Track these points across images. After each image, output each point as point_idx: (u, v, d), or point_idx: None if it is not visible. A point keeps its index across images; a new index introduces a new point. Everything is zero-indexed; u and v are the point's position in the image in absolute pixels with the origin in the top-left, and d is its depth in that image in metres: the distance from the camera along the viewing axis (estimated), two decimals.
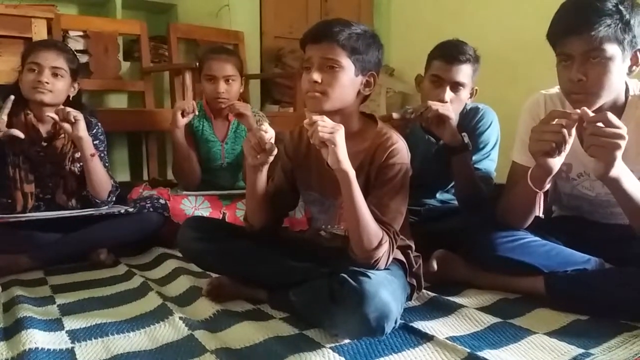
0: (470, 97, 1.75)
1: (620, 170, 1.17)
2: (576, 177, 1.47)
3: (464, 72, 1.66)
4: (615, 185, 1.21)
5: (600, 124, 1.14)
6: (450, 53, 1.66)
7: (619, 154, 1.14)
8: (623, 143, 1.12)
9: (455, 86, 1.67)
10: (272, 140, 1.20)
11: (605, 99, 1.27)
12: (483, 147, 1.77)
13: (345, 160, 1.14)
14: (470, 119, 1.78)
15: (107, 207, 1.84)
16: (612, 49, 1.20)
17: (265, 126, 1.19)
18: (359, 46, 1.24)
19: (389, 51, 3.69)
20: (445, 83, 1.66)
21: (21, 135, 1.68)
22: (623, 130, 1.13)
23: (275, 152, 1.22)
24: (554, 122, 1.19)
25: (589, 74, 1.23)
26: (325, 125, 1.12)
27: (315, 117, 1.13)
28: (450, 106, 1.61)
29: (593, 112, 1.17)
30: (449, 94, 1.65)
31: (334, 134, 1.11)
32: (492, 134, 1.80)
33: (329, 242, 1.38)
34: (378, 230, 1.20)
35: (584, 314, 1.29)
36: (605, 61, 1.21)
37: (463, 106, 1.74)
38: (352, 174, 1.15)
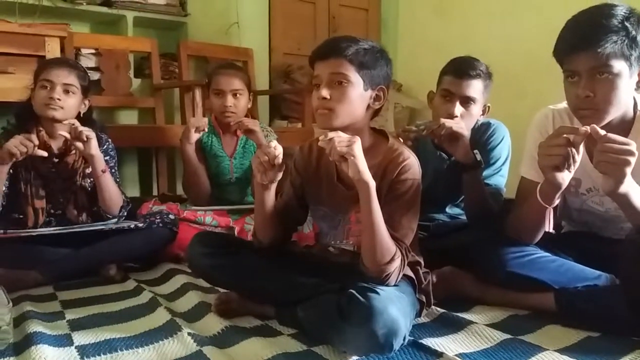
0: (483, 114, 1.76)
1: (629, 186, 1.17)
2: (585, 192, 1.46)
3: (474, 87, 1.67)
4: (624, 201, 1.20)
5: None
6: (460, 68, 1.68)
7: (628, 170, 1.13)
8: (633, 159, 1.12)
9: (466, 101, 1.67)
10: (281, 157, 1.21)
11: (613, 114, 1.27)
12: (494, 163, 1.77)
13: (366, 171, 1.14)
14: (481, 134, 1.79)
15: (116, 221, 1.86)
16: (619, 65, 1.21)
17: (274, 143, 1.20)
18: (366, 60, 1.25)
19: (396, 67, 3.70)
20: (456, 97, 1.67)
21: (44, 154, 1.69)
22: (632, 146, 1.12)
23: (283, 169, 1.23)
24: (562, 137, 1.19)
25: (596, 90, 1.23)
26: (341, 139, 1.12)
27: (331, 134, 1.13)
28: (463, 123, 1.62)
29: (601, 128, 1.17)
30: (459, 109, 1.66)
31: (351, 146, 1.12)
32: (504, 150, 1.80)
33: (338, 258, 1.37)
34: (392, 244, 1.19)
35: (595, 330, 1.27)
36: (612, 77, 1.22)
37: (475, 122, 1.75)
38: (372, 185, 1.15)
